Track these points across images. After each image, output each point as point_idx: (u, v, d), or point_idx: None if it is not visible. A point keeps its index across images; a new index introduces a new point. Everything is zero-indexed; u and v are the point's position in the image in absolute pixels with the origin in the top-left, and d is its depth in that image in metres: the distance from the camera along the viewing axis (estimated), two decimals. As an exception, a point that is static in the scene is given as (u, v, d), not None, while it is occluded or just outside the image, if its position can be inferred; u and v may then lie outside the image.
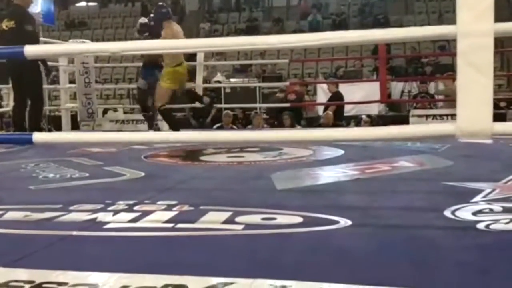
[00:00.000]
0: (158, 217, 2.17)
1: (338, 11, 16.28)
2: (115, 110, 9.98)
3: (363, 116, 8.33)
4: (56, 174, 3.39)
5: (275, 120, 8.49)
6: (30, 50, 2.15)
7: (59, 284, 1.40)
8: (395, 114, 8.72)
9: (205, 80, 8.82)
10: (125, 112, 9.25)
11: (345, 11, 16.24)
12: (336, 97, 8.09)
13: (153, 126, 6.13)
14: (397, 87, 10.89)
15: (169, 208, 2.31)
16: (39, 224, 2.09)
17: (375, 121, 8.06)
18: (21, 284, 1.40)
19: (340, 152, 4.10)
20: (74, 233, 1.95)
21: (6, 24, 4.82)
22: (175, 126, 5.41)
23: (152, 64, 5.92)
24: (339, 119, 7.74)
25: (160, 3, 5.84)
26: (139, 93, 6.24)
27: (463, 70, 1.61)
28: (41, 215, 2.23)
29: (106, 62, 13.65)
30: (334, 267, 1.53)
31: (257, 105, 9.41)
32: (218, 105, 8.56)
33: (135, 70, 14.86)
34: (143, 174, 3.34)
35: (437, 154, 3.91)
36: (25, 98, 4.90)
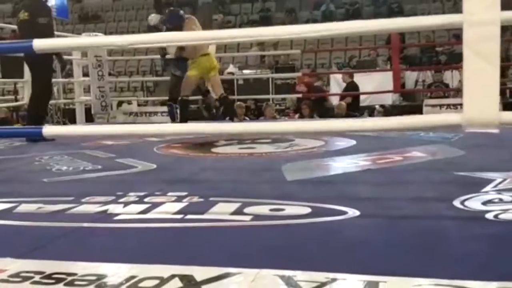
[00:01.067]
0: (168, 208, 2.19)
1: (352, 1, 16.14)
2: (129, 102, 10.03)
3: (377, 106, 8.29)
4: (69, 167, 3.43)
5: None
6: (39, 44, 2.17)
7: (68, 274, 1.42)
8: (408, 104, 8.66)
9: (218, 72, 8.82)
10: (139, 105, 9.31)
11: (358, 1, 16.09)
12: (351, 87, 8.04)
13: (175, 119, 6.12)
14: (410, 77, 10.81)
15: (179, 199, 2.33)
16: (51, 216, 2.13)
17: (389, 111, 8.02)
18: (32, 274, 1.43)
19: (352, 142, 4.10)
20: (85, 224, 1.98)
21: (21, 16, 4.86)
22: (185, 119, 5.47)
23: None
24: (355, 110, 7.71)
25: (172, 8, 5.89)
26: (175, 80, 6.14)
27: (469, 60, 1.60)
28: (54, 207, 2.26)
29: (120, 55, 13.74)
30: (341, 257, 1.54)
31: (270, 96, 9.41)
32: (231, 97, 8.59)
33: (148, 62, 14.96)
34: (154, 166, 3.37)
35: (450, 144, 3.88)
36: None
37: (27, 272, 1.44)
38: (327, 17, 15.40)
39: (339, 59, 13.77)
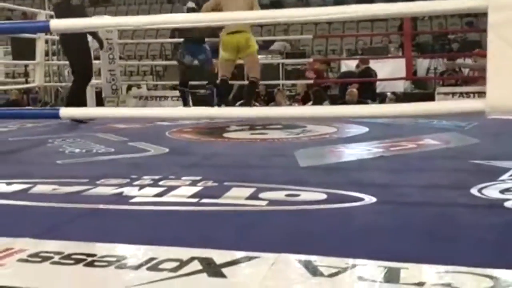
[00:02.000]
0: (183, 192, 2.19)
1: (364, -14, 15.97)
2: (138, 86, 10.03)
3: (388, 94, 8.23)
4: (82, 149, 3.44)
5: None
6: (56, 24, 2.16)
7: (88, 255, 1.42)
8: (420, 91, 8.60)
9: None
10: (148, 89, 9.29)
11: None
12: (367, 73, 7.98)
13: (187, 103, 6.07)
14: (422, 64, 10.72)
15: (193, 183, 2.33)
16: (67, 197, 2.13)
17: (400, 98, 7.96)
18: (51, 254, 1.43)
19: (365, 129, 4.07)
20: (101, 206, 1.98)
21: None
22: (221, 103, 5.25)
23: (197, 39, 5.78)
24: (369, 97, 7.65)
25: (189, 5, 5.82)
26: (183, 68, 6.03)
27: (494, 44, 1.57)
28: (69, 188, 2.27)
29: (130, 39, 13.71)
30: (360, 243, 1.53)
31: (280, 81, 9.36)
32: (241, 82, 8.56)
33: (158, 46, 14.92)
34: (167, 150, 3.37)
35: (463, 132, 3.85)
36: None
37: (46, 252, 1.45)
38: (339, 2, 15.26)
39: (350, 45, 13.68)
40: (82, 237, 1.58)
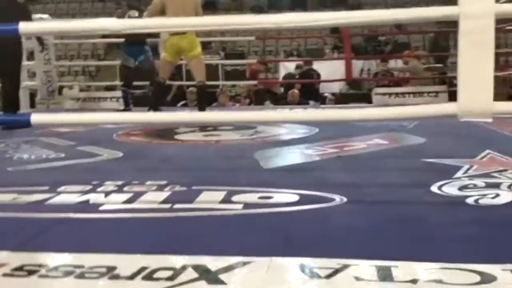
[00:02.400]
0: (153, 197, 2.16)
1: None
2: (70, 87, 9.69)
3: (327, 94, 8.44)
4: (30, 155, 3.30)
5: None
6: (25, 27, 2.06)
7: (76, 266, 1.38)
8: (356, 92, 8.87)
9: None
10: (81, 90, 9.00)
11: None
12: (309, 74, 8.15)
13: (128, 104, 5.95)
14: (356, 66, 11.07)
15: (160, 188, 2.30)
16: (31, 206, 2.05)
17: (339, 99, 8.19)
18: (36, 268, 1.38)
19: (315, 130, 4.15)
20: (71, 215, 1.92)
21: None
22: (155, 104, 5.14)
23: (137, 42, 5.67)
24: (312, 97, 7.81)
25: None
26: (127, 71, 5.92)
27: (465, 51, 1.67)
28: (30, 197, 2.18)
29: (60, 39, 13.22)
30: (343, 243, 1.58)
31: (220, 82, 9.36)
32: (180, 83, 8.48)
33: (90, 46, 14.49)
34: (121, 154, 3.30)
35: (407, 131, 4.01)
36: None
37: (31, 265, 1.39)
38: (273, 4, 15.50)
39: (286, 47, 13.91)
40: (62, 248, 1.53)
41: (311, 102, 7.90)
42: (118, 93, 6.90)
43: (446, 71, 9.12)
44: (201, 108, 5.01)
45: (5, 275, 1.35)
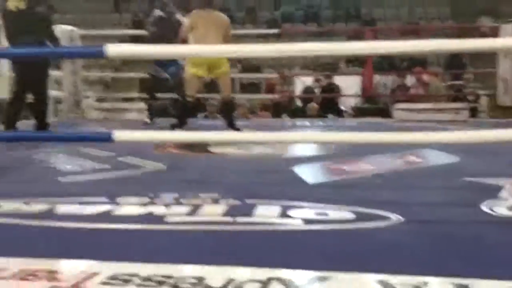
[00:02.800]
0: (211, 210, 2.23)
1: (310, 3, 16.40)
2: (86, 97, 9.82)
3: (343, 108, 8.54)
4: (74, 166, 3.38)
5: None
6: (113, 50, 2.15)
7: (166, 276, 1.46)
8: (373, 106, 8.95)
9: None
10: (97, 100, 9.09)
11: (316, 3, 16.38)
12: (329, 88, 8.27)
13: (153, 117, 6.03)
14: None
15: (215, 201, 2.38)
16: (101, 218, 2.12)
17: (357, 113, 8.29)
18: (128, 277, 1.46)
19: (344, 145, 4.20)
20: (143, 226, 2.00)
21: (14, 5, 4.50)
22: (182, 122, 5.06)
23: None
24: (331, 112, 7.91)
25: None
26: (155, 83, 6.00)
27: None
28: (94, 208, 2.26)
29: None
30: (415, 260, 1.64)
31: (237, 95, 9.47)
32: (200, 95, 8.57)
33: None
34: (164, 166, 3.38)
35: (437, 148, 4.06)
36: (25, 92, 4.72)
37: (125, 274, 1.47)
38: (287, 18, 15.64)
39: (297, 59, 14.01)
40: (145, 258, 1.61)
41: (330, 116, 7.99)
42: (143, 105, 7.04)
43: (463, 88, 9.23)
44: (231, 122, 5.08)
45: (103, 283, 1.43)
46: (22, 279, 1.47)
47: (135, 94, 9.50)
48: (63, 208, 2.28)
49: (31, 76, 4.57)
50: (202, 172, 3.27)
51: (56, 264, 1.56)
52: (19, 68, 4.58)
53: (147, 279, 1.46)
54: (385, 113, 8.03)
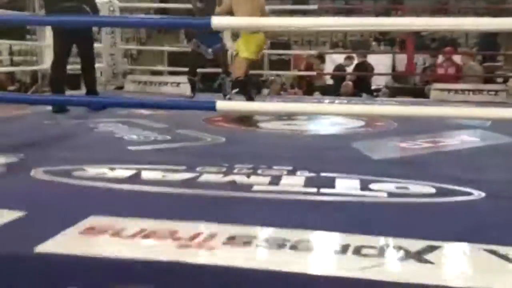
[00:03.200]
0: (293, 181, 2.30)
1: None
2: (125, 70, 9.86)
3: (378, 87, 8.54)
4: (138, 136, 3.46)
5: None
6: (218, 22, 2.18)
7: (284, 239, 1.53)
8: (408, 86, 8.91)
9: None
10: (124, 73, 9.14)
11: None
12: (363, 67, 8.25)
13: (195, 91, 6.09)
14: (403, 60, 11.13)
15: (292, 173, 2.43)
16: (189, 184, 2.20)
17: (393, 92, 8.29)
18: (250, 239, 1.53)
19: (394, 124, 4.25)
20: (232, 194, 2.07)
21: None
22: (250, 97, 4.89)
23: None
24: (364, 90, 7.91)
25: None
26: (197, 58, 6.00)
27: None
28: (178, 175, 2.33)
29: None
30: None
31: (265, 72, 9.49)
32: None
33: (131, 29, 14.65)
34: (223, 139, 3.44)
35: (487, 129, 4.07)
36: (68, 56, 4.81)
37: (244, 236, 1.54)
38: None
39: (327, 37, 13.96)
40: (260, 222, 1.67)
41: (363, 95, 8.00)
42: (179, 78, 7.11)
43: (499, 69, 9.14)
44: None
45: (224, 243, 1.50)
46: (145, 236, 1.55)
47: (162, 68, 9.54)
48: (149, 174, 2.36)
49: (80, 42, 4.66)
50: (264, 146, 3.32)
51: (175, 224, 1.63)
52: (65, 33, 4.59)
53: (266, 240, 1.53)
54: (420, 93, 8.01)
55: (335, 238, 1.57)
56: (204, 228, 1.61)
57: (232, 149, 3.17)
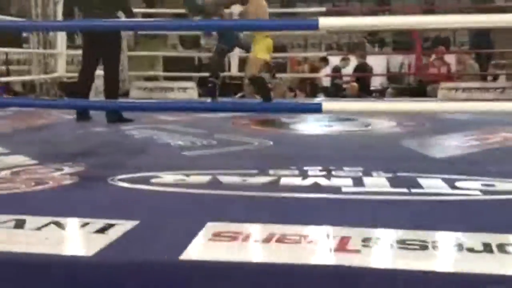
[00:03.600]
0: (376, 182, 2.27)
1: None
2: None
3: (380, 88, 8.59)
4: (184, 142, 3.39)
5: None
6: (324, 23, 2.14)
7: (422, 241, 1.50)
8: (411, 86, 8.94)
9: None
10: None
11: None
12: (362, 68, 8.28)
13: (215, 96, 5.91)
14: (396, 61, 11.25)
15: (368, 174, 2.40)
16: (271, 188, 2.16)
17: (396, 93, 8.35)
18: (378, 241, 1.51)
19: (425, 123, 4.24)
20: (329, 196, 2.04)
21: None
22: (267, 96, 4.93)
23: None
24: (364, 91, 7.95)
25: None
26: (218, 56, 5.68)
27: None
28: (257, 179, 2.30)
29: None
30: None
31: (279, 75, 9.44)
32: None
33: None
34: (271, 142, 3.40)
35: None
36: (97, 66, 4.70)
37: (374, 238, 1.52)
38: (301, -2, 15.53)
39: (314, 39, 14.01)
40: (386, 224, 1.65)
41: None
42: (185, 84, 7.05)
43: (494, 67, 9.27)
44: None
45: (360, 245, 1.47)
46: (279, 240, 1.51)
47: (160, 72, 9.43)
48: (227, 179, 2.31)
49: (106, 50, 4.54)
50: (315, 147, 3.29)
51: (300, 228, 1.60)
52: (94, 40, 4.49)
53: (402, 241, 1.51)
54: (422, 92, 8.06)
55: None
56: (335, 231, 1.58)
57: (286, 151, 3.14)
